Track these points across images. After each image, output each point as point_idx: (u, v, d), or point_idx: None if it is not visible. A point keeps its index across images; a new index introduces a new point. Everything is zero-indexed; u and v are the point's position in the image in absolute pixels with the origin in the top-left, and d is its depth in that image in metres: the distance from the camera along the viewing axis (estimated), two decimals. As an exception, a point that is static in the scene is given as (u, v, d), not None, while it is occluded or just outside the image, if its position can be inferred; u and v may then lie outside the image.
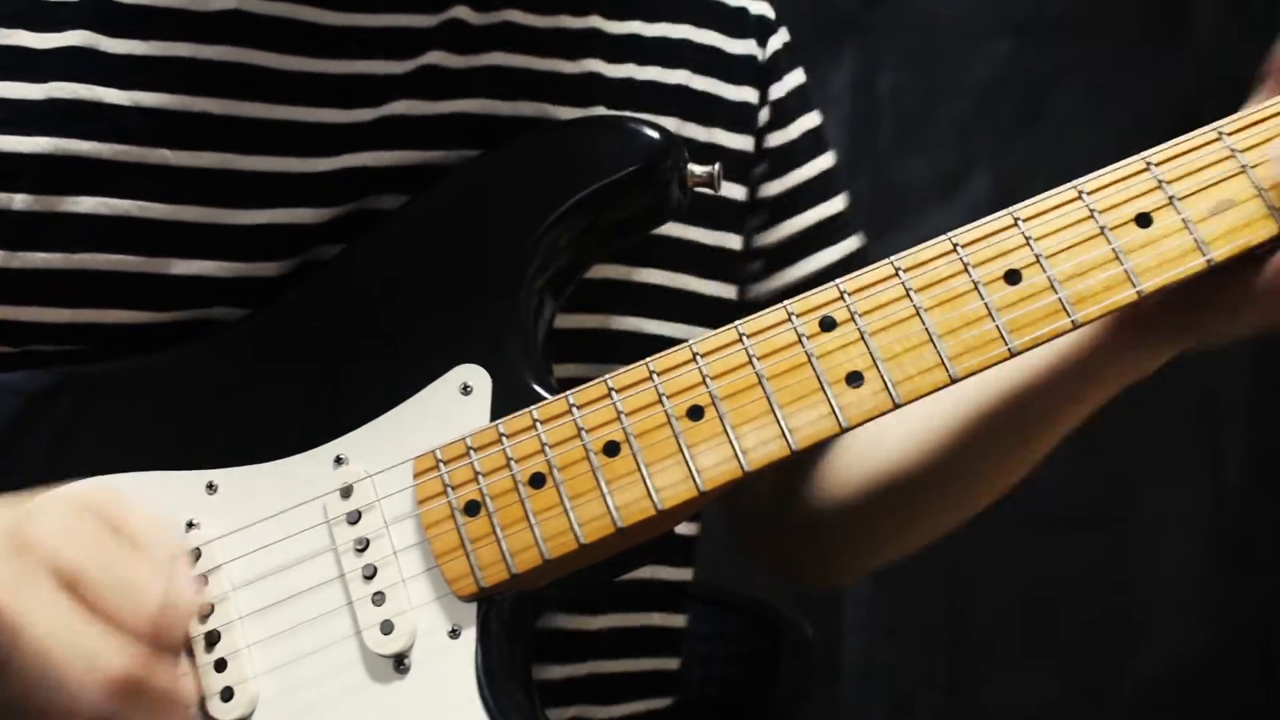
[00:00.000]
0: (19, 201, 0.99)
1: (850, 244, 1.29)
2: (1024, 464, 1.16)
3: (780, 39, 1.26)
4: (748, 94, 1.22)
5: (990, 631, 2.01)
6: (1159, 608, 1.99)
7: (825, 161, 1.28)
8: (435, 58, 1.07)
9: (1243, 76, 1.98)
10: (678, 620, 1.23)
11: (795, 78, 1.27)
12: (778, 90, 1.24)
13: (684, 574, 1.21)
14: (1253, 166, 0.93)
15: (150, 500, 0.99)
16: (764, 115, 1.24)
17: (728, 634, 1.46)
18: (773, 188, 1.25)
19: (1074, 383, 1.07)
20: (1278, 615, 1.97)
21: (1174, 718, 1.96)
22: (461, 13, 1.08)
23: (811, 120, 1.27)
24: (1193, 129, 0.97)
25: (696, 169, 1.04)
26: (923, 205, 2.05)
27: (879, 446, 1.20)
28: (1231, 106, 0.97)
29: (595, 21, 1.14)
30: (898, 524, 1.25)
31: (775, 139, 1.24)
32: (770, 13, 1.26)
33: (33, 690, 0.83)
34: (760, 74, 1.23)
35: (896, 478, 1.20)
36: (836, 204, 1.28)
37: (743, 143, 1.21)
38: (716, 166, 1.04)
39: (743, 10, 1.23)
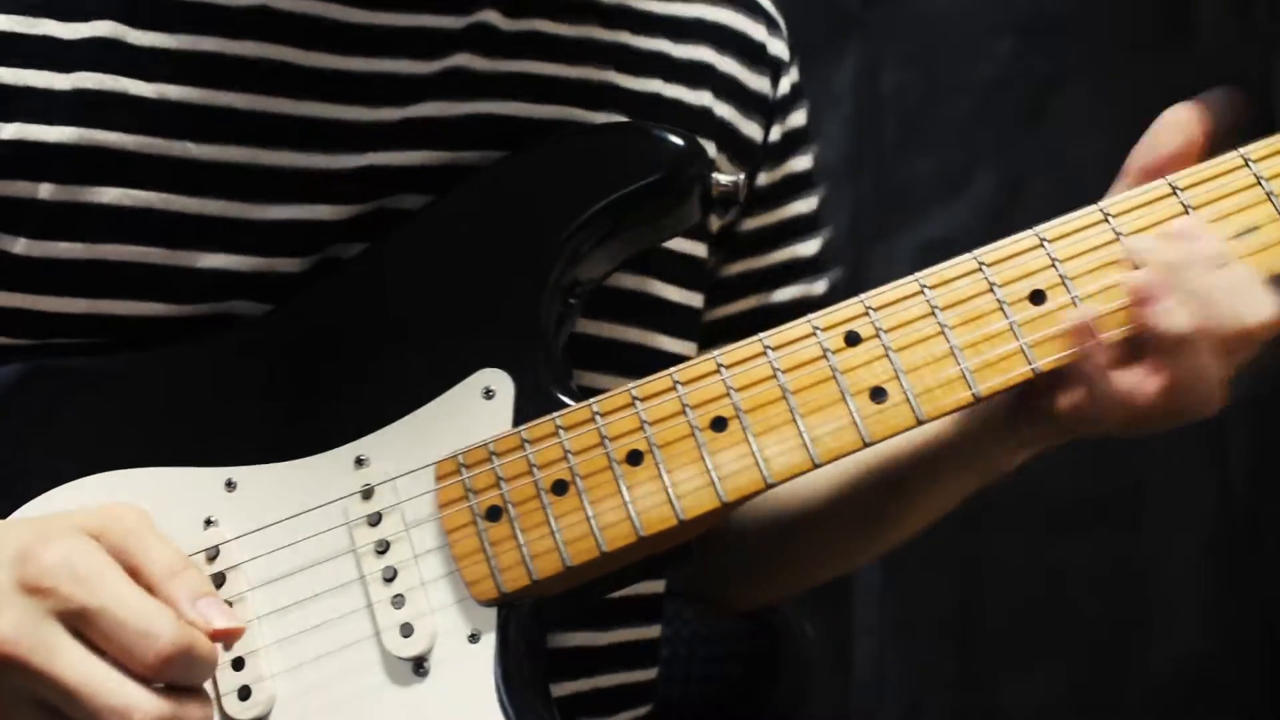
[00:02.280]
0: (45, 191, 0.99)
1: (815, 287, 1.29)
2: (896, 529, 1.22)
3: (790, 79, 1.25)
4: (754, 131, 1.21)
5: (999, 631, 2.02)
6: (1166, 607, 1.99)
7: (804, 205, 1.28)
8: (462, 60, 1.07)
9: (1246, 77, 1.98)
10: (658, 631, 1.24)
11: (796, 119, 1.27)
12: (776, 133, 1.24)
13: (660, 585, 1.22)
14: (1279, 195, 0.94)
15: (168, 497, 0.99)
16: (760, 156, 1.23)
17: (728, 634, 1.47)
18: (747, 224, 1.25)
19: (937, 465, 1.11)
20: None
21: (1183, 717, 1.97)
22: (491, 17, 1.08)
23: (801, 163, 1.27)
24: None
25: (721, 178, 1.04)
26: (926, 204, 2.04)
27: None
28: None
29: (624, 37, 1.14)
30: (781, 561, 1.28)
31: (762, 179, 1.24)
32: (785, 53, 1.25)
33: None
34: (768, 113, 1.23)
35: (782, 517, 1.23)
36: (809, 247, 1.29)
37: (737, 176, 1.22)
38: (741, 176, 1.04)
39: (762, 46, 1.23)
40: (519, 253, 1.02)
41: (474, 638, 0.95)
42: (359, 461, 0.99)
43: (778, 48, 1.24)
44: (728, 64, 1.19)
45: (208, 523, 0.99)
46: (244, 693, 0.96)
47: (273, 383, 1.02)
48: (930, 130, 2.15)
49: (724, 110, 1.18)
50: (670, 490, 0.94)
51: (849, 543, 1.25)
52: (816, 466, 0.93)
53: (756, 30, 1.22)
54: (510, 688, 0.94)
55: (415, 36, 1.06)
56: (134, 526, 0.90)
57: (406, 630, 0.95)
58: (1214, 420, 2.02)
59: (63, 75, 1.00)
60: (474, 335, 1.00)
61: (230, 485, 1.00)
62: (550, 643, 1.03)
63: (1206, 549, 1.99)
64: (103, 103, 1.00)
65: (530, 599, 0.96)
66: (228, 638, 0.88)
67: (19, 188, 0.99)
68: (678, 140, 1.04)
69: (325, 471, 0.99)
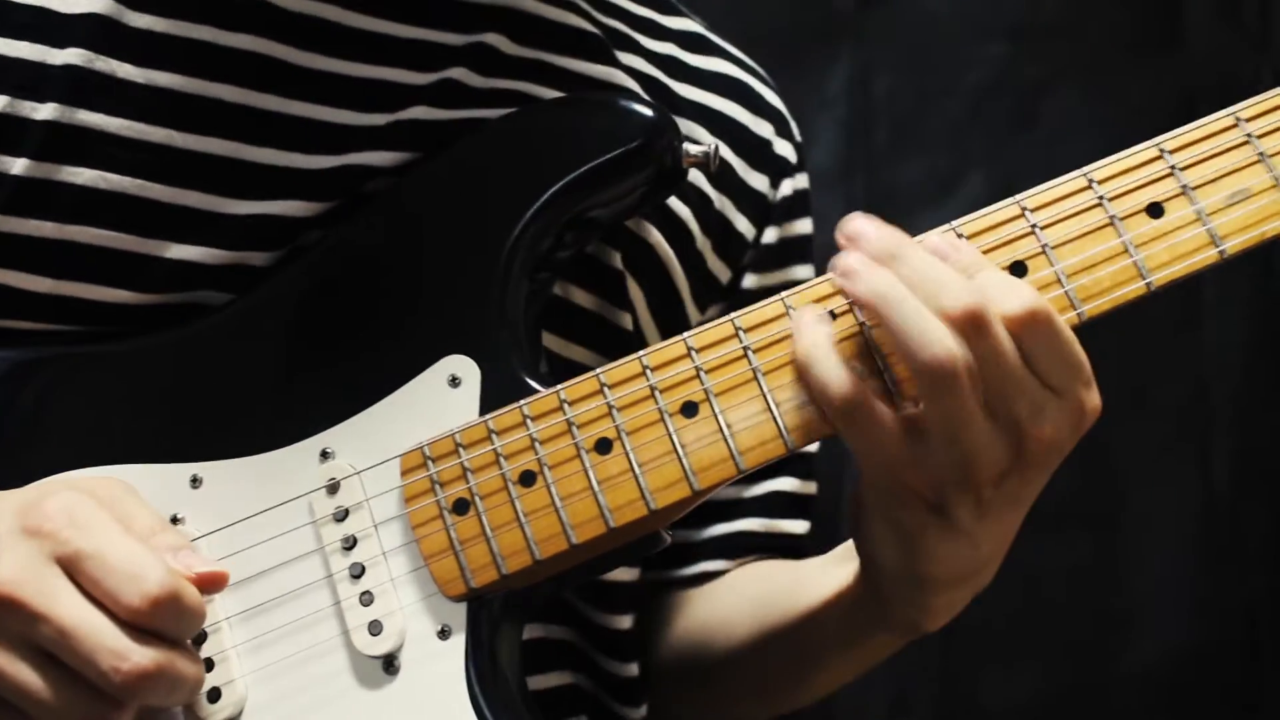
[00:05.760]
0: (19, 166, 0.98)
1: None
2: (813, 691, 1.20)
3: (794, 185, 1.23)
4: (745, 226, 1.19)
5: (984, 627, 2.00)
6: (1148, 604, 1.98)
7: None
8: (458, 74, 1.05)
9: (1235, 79, 1.97)
10: (629, 622, 1.20)
11: (799, 227, 1.24)
12: (772, 235, 1.22)
13: (634, 574, 1.18)
14: (1270, 155, 0.91)
15: None
16: (750, 255, 1.21)
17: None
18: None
19: (851, 629, 1.09)
20: (1265, 612, 1.96)
21: (1164, 711, 1.95)
22: (495, 40, 1.07)
23: (800, 272, 1.24)
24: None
25: (692, 148, 1.01)
26: (917, 208, 2.03)
27: (714, 607, 1.22)
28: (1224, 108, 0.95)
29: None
30: (705, 698, 1.25)
31: (749, 281, 1.21)
32: (793, 156, 1.23)
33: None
34: (763, 213, 1.20)
35: (703, 651, 1.21)
36: None
37: (721, 271, 1.19)
38: (713, 146, 1.02)
39: (765, 144, 1.20)
40: (482, 234, 0.99)
41: (444, 634, 0.93)
42: (324, 455, 0.97)
43: (784, 149, 1.22)
44: (722, 151, 1.16)
45: (174, 520, 0.97)
46: (214, 694, 0.94)
47: (236, 375, 1.00)
48: (922, 133, 2.14)
49: (717, 199, 1.16)
50: (641, 480, 0.91)
51: (768, 697, 1.22)
52: (791, 451, 0.91)
53: (761, 128, 1.20)
54: (482, 683, 0.92)
55: (414, 48, 1.05)
56: (119, 494, 0.91)
57: (375, 628, 0.93)
58: (1198, 419, 2.01)
59: (56, 50, 0.98)
60: (438, 321, 0.98)
61: (195, 481, 0.98)
62: (526, 634, 1.01)
63: (1189, 547, 1.98)
64: (91, 82, 0.99)
65: (501, 593, 0.94)
66: (210, 583, 0.89)
67: None
68: (647, 111, 1.01)
69: (291, 465, 0.97)
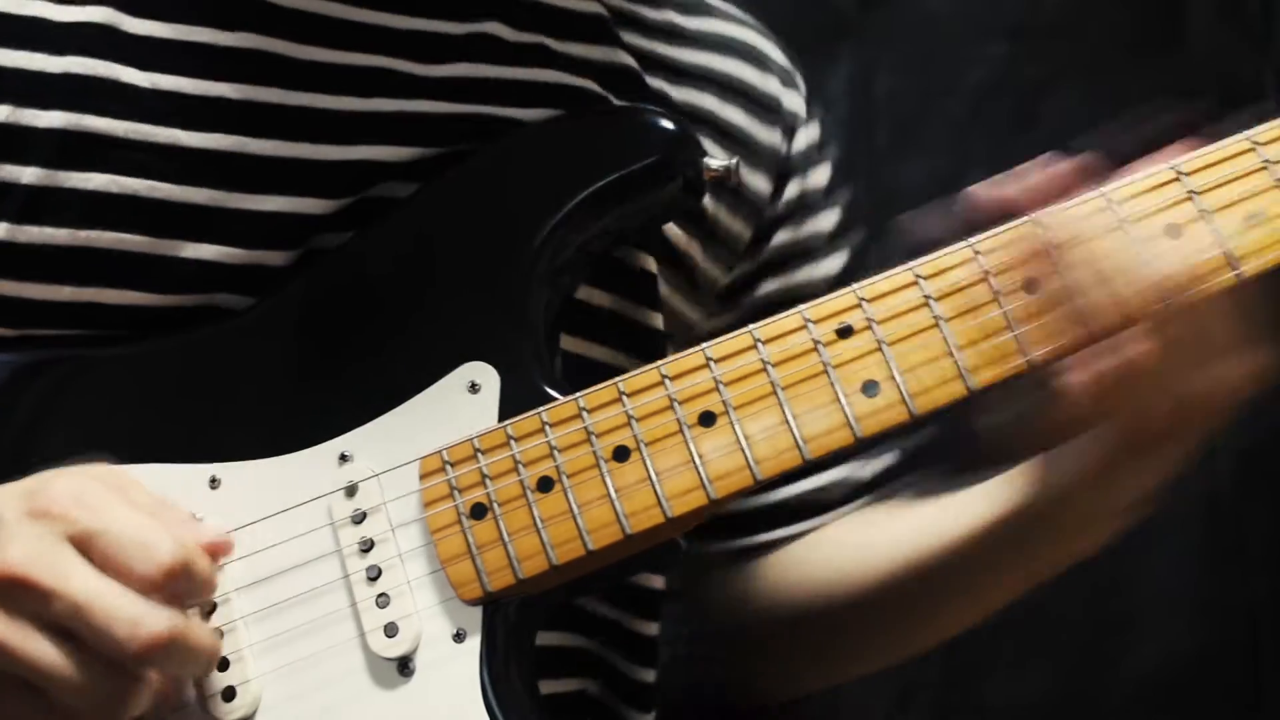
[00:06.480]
0: (29, 175, 0.98)
1: None
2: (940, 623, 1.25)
3: (808, 136, 1.23)
4: (761, 184, 1.19)
5: (986, 629, 2.01)
6: (1151, 607, 1.98)
7: (819, 270, 1.24)
8: (462, 69, 1.06)
9: (1236, 79, 1.97)
10: (655, 629, 1.21)
11: (817, 177, 1.24)
12: (793, 189, 1.22)
13: (659, 581, 1.18)
14: None
15: None
16: (771, 210, 1.21)
17: (725, 633, 1.45)
18: (769, 284, 1.22)
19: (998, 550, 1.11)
20: (1267, 613, 1.96)
21: (1166, 713, 1.96)
22: (495, 28, 1.07)
23: (826, 220, 1.24)
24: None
25: (713, 162, 1.02)
26: (918, 208, 2.04)
27: (818, 563, 1.22)
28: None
29: (629, 61, 1.13)
30: (823, 647, 1.26)
31: (781, 237, 1.21)
32: (802, 109, 1.23)
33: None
34: (782, 169, 1.20)
35: (825, 597, 1.21)
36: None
37: (740, 230, 1.19)
38: (734, 160, 1.02)
39: (775, 99, 1.20)
40: (504, 242, 1.00)
41: (459, 637, 0.94)
42: (343, 458, 0.97)
43: (793, 102, 1.22)
44: (730, 112, 1.17)
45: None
46: (229, 694, 0.94)
47: (256, 377, 1.01)
48: (922, 134, 2.14)
49: (725, 159, 1.16)
50: (658, 488, 0.92)
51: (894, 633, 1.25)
52: (806, 463, 0.92)
53: (769, 83, 1.20)
54: (496, 687, 0.93)
55: (414, 39, 1.05)
56: (120, 476, 0.92)
57: (391, 630, 0.94)
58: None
59: (54, 58, 0.99)
60: (459, 328, 0.99)
61: (214, 482, 0.98)
62: (540, 640, 1.01)
63: (1192, 550, 1.98)
64: (94, 88, 0.99)
65: (517, 597, 0.94)
66: (217, 550, 0.91)
67: (4, 171, 0.98)
68: (668, 124, 1.02)
69: (309, 468, 0.97)
